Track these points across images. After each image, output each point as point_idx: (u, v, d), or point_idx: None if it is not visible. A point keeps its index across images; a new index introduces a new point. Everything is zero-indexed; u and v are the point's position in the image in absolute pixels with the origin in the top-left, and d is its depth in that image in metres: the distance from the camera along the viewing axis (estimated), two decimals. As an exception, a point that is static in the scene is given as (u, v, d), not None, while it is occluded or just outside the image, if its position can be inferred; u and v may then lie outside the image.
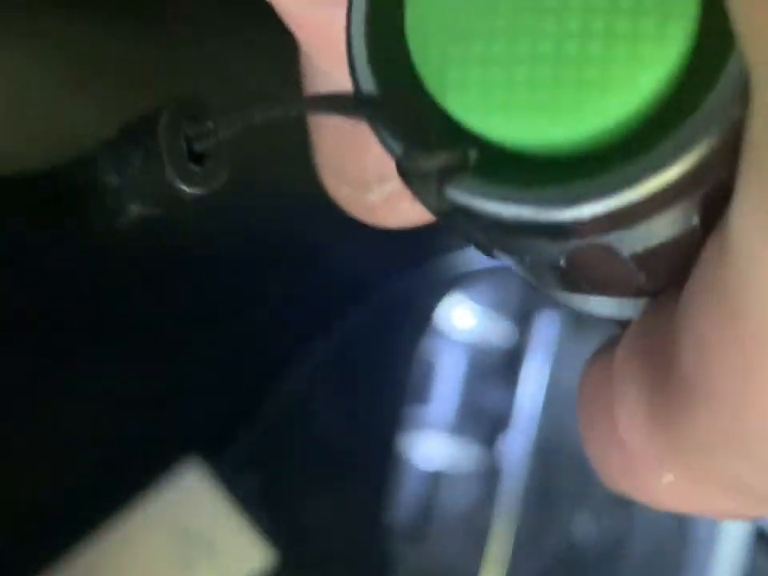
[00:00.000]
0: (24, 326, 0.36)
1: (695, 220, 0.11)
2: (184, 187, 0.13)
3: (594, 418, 0.14)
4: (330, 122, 0.14)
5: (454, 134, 0.11)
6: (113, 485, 0.39)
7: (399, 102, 0.11)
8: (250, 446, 0.42)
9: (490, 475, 0.55)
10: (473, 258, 0.57)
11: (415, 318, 0.53)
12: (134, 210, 0.14)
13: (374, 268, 0.48)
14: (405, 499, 0.53)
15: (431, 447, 0.54)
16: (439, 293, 0.55)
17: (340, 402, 0.47)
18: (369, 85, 0.11)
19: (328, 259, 0.42)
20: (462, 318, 0.55)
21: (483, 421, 0.56)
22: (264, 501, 0.41)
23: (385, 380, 0.50)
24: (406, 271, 0.51)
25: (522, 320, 0.57)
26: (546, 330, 0.56)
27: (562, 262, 0.12)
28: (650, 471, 0.12)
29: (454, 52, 0.11)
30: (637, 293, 0.12)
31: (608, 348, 0.13)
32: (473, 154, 0.11)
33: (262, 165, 0.37)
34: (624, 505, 0.57)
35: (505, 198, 0.10)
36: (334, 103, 0.12)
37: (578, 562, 0.56)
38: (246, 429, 0.41)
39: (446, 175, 0.11)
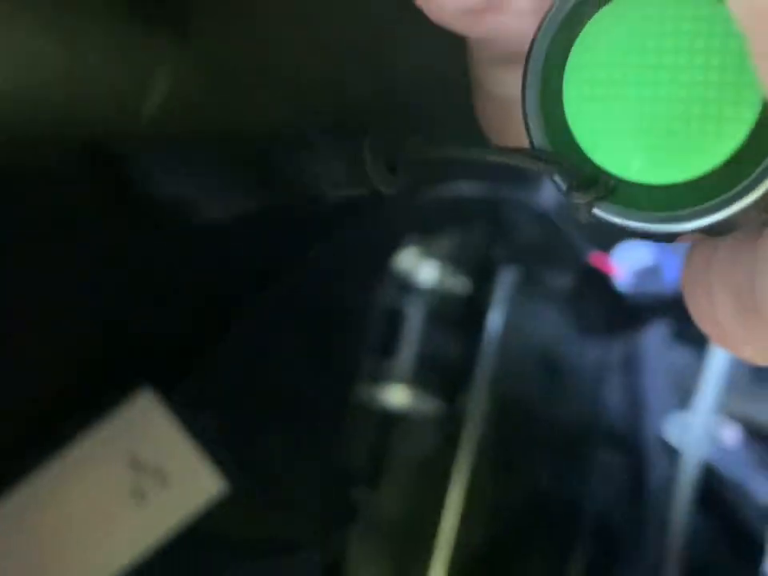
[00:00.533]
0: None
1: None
2: (382, 188, 0.18)
3: (696, 293, 0.16)
4: None
5: (598, 175, 0.16)
6: (65, 413, 0.38)
7: (562, 155, 0.16)
8: (206, 381, 0.41)
9: (448, 423, 0.55)
10: (432, 210, 0.57)
11: (375, 266, 0.53)
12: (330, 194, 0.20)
13: (337, 209, 0.47)
14: (362, 445, 0.53)
15: (390, 395, 0.54)
16: (399, 243, 0.55)
17: (299, 344, 0.47)
18: (541, 142, 0.16)
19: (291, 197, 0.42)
20: (422, 271, 0.55)
21: (442, 370, 0.56)
22: (218, 435, 0.41)
23: (343, 325, 0.50)
24: (367, 216, 0.51)
25: (480, 274, 0.57)
26: (502, 283, 0.56)
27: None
28: (736, 342, 0.16)
29: (599, 123, 0.16)
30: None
31: (710, 243, 0.16)
32: (611, 187, 0.16)
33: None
34: (582, 456, 0.58)
35: (632, 217, 0.16)
36: (517, 155, 0.16)
37: (535, 512, 0.56)
38: (202, 363, 0.41)
39: (593, 203, 0.16)
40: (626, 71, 0.15)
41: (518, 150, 0.16)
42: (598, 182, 0.16)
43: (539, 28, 0.16)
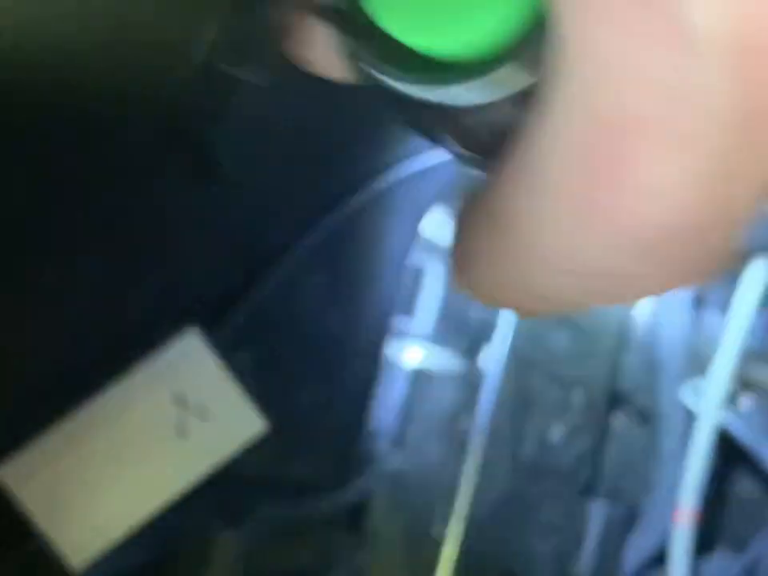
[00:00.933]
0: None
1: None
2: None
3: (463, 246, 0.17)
4: None
5: (375, 35, 0.16)
6: (113, 352, 0.40)
7: (350, 15, 0.16)
8: (244, 324, 0.43)
9: (470, 382, 0.57)
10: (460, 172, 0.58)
11: (404, 223, 0.54)
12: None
13: (372, 160, 0.48)
14: (388, 401, 0.55)
15: (413, 353, 0.56)
16: (425, 205, 0.56)
17: (332, 296, 0.48)
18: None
19: (325, 149, 0.43)
20: (446, 232, 0.57)
21: (465, 330, 0.57)
22: (256, 376, 0.42)
23: (374, 280, 0.52)
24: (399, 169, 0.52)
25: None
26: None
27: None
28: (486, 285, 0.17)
29: None
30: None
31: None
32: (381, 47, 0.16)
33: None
34: (599, 418, 0.59)
35: (396, 77, 0.16)
36: (313, 7, 0.17)
37: (550, 471, 0.58)
38: (240, 307, 0.43)
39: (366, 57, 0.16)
40: None
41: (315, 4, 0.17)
42: (378, 37, 0.15)
43: None
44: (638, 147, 0.13)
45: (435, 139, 0.17)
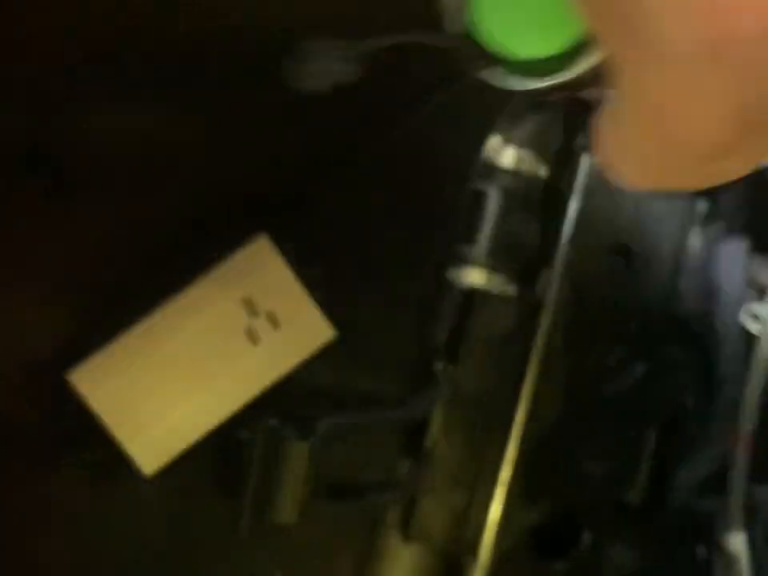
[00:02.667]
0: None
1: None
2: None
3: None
4: None
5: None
6: (185, 256, 0.39)
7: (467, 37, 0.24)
8: (313, 237, 0.42)
9: (524, 306, 0.56)
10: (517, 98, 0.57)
11: (467, 150, 0.53)
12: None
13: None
14: (444, 321, 0.54)
15: (470, 277, 0.55)
16: (489, 130, 0.55)
17: (394, 216, 0.48)
18: (454, 26, 0.24)
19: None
20: (504, 155, 0.56)
21: (520, 254, 0.57)
22: (324, 288, 0.42)
23: (435, 203, 0.51)
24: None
25: (560, 160, 0.58)
26: (581, 170, 0.56)
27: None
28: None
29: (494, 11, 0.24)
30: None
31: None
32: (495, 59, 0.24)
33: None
34: (654, 343, 0.58)
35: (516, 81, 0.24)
36: (440, 37, 0.25)
37: (606, 397, 0.57)
38: (309, 221, 0.42)
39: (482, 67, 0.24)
40: None
41: (443, 36, 0.25)
42: (486, 55, 0.24)
43: None
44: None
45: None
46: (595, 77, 0.23)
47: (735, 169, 0.21)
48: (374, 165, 0.44)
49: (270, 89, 0.41)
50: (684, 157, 0.20)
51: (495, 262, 0.56)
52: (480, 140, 0.52)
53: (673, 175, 0.22)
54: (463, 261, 0.55)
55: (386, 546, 0.52)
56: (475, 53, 0.24)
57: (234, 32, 0.39)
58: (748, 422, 0.57)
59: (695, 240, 0.61)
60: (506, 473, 0.56)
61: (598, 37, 0.20)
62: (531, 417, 0.56)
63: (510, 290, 0.57)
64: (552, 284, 0.56)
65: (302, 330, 0.39)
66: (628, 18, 0.18)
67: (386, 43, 0.28)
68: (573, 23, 0.23)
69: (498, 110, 0.52)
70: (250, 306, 0.38)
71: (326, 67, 0.29)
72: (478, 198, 0.54)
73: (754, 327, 0.58)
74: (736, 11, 0.17)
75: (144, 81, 0.39)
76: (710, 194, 0.62)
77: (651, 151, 0.21)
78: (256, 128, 0.41)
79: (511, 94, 0.52)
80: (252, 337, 0.38)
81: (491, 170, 0.55)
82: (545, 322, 0.56)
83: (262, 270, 0.38)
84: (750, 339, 0.59)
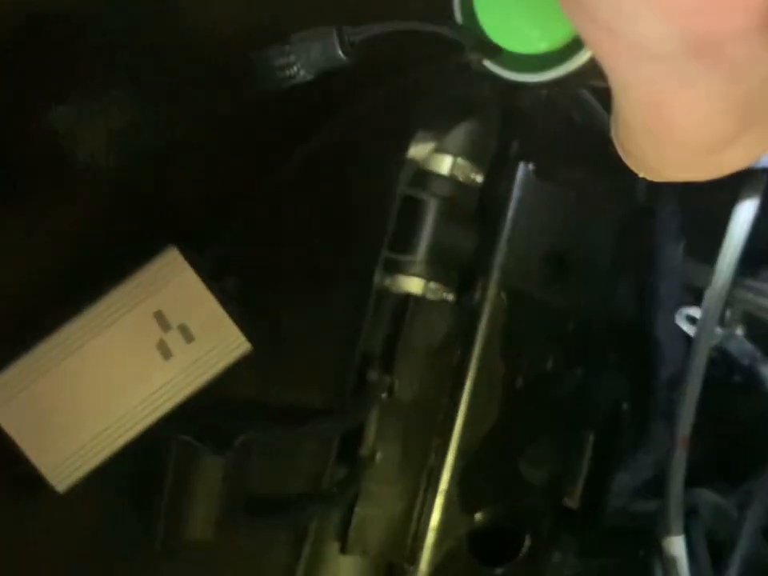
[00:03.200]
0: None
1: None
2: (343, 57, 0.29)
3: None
4: None
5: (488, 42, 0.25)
6: (95, 271, 0.39)
7: (471, 29, 0.25)
8: (231, 248, 0.42)
9: (460, 313, 0.56)
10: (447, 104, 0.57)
11: (390, 152, 0.53)
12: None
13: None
14: (377, 329, 0.54)
15: (405, 285, 0.55)
16: (414, 132, 0.54)
17: (318, 221, 0.47)
18: (458, 17, 0.26)
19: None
20: (437, 163, 0.56)
21: (455, 262, 0.57)
22: (242, 299, 0.41)
23: (360, 207, 0.51)
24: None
25: (495, 168, 0.58)
26: (517, 177, 0.56)
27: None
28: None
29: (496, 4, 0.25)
30: None
31: None
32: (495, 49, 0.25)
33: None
34: (591, 348, 0.59)
35: (506, 72, 0.26)
36: (442, 26, 0.26)
37: (544, 402, 0.57)
38: (225, 230, 0.42)
39: (482, 58, 0.26)
40: None
41: (442, 22, 0.26)
42: (487, 46, 0.25)
43: None
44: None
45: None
46: (595, 70, 0.23)
47: (737, 160, 0.22)
48: (295, 172, 0.43)
49: (199, 97, 0.41)
50: (684, 150, 0.21)
51: (431, 269, 0.55)
52: (405, 146, 0.51)
53: (674, 167, 0.22)
54: (398, 269, 0.55)
55: (321, 558, 0.52)
56: (476, 44, 0.25)
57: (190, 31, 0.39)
58: (686, 425, 0.57)
59: (632, 244, 0.62)
60: (445, 480, 0.56)
61: (581, 36, 0.20)
62: (469, 423, 0.56)
63: (447, 297, 0.56)
64: (488, 291, 0.56)
65: (216, 343, 0.39)
66: (608, 20, 0.18)
67: (380, 30, 0.28)
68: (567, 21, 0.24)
69: (425, 116, 0.52)
70: (162, 320, 0.38)
71: (309, 58, 0.29)
72: (412, 206, 0.54)
73: (690, 330, 0.59)
74: (715, 10, 0.17)
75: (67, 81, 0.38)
76: (647, 198, 0.63)
77: (651, 144, 0.21)
78: (171, 136, 0.40)
79: (444, 98, 0.52)
80: (164, 351, 0.38)
81: (426, 177, 0.55)
82: (481, 329, 0.56)
83: (173, 283, 0.38)
84: (687, 343, 0.60)
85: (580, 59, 0.24)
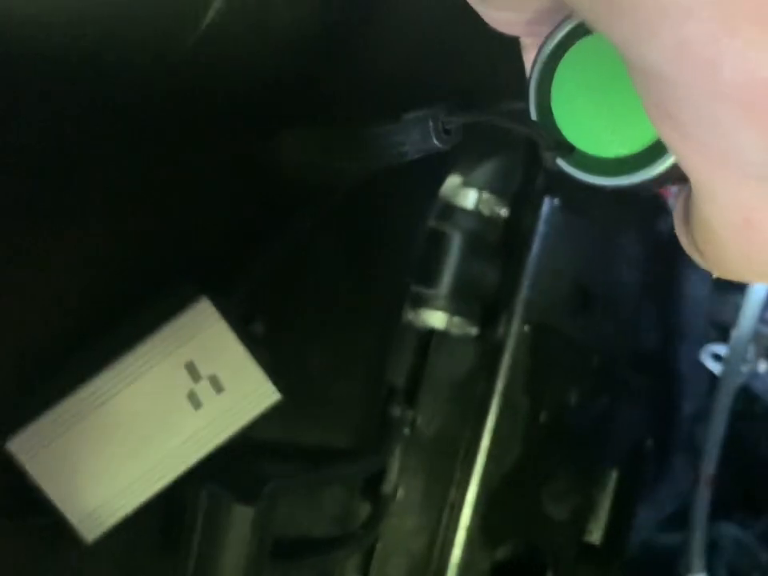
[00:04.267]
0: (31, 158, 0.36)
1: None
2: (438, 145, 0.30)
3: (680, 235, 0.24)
4: None
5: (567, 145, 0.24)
6: (123, 321, 0.39)
7: (545, 127, 0.25)
8: (257, 291, 0.42)
9: (484, 347, 0.56)
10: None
11: (422, 193, 0.53)
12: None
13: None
14: (401, 364, 0.54)
15: (429, 319, 0.55)
16: (445, 171, 0.54)
17: (345, 261, 0.47)
18: (534, 113, 0.25)
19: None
20: (463, 198, 0.55)
21: (480, 296, 0.56)
22: (269, 342, 0.41)
23: (389, 247, 0.50)
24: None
25: (520, 202, 0.57)
26: (541, 212, 0.56)
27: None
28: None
29: (574, 104, 0.24)
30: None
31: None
32: (569, 149, 0.24)
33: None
34: (614, 381, 0.58)
35: (579, 173, 0.24)
36: (521, 124, 0.25)
37: (566, 436, 0.57)
38: (252, 273, 0.42)
39: (556, 157, 0.24)
40: (594, 83, 0.24)
41: (523, 121, 0.25)
42: (560, 146, 0.24)
43: (539, 49, 0.25)
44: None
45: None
46: (675, 175, 0.22)
47: None
48: (319, 212, 0.43)
49: (217, 145, 0.41)
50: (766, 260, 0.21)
51: (455, 303, 0.55)
52: (432, 183, 0.51)
53: (758, 275, 0.22)
54: (422, 303, 0.55)
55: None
56: (552, 143, 0.24)
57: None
58: (710, 464, 0.57)
59: (657, 277, 0.61)
60: (466, 515, 0.56)
61: (670, 149, 0.20)
62: (492, 458, 0.56)
63: (470, 331, 0.56)
64: (512, 325, 0.56)
65: (246, 393, 0.39)
66: (702, 138, 0.18)
67: (470, 119, 0.29)
68: (649, 126, 0.23)
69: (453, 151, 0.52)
70: (193, 370, 0.38)
71: (421, 138, 0.30)
72: (437, 239, 0.54)
73: (715, 367, 0.58)
74: None
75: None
76: (672, 230, 0.62)
77: (736, 256, 0.21)
78: (196, 184, 0.40)
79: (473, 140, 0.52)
80: (195, 401, 0.38)
81: (451, 211, 0.55)
82: (505, 363, 0.56)
83: (203, 334, 0.38)
84: (710, 377, 0.59)
85: (659, 167, 0.23)
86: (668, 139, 0.19)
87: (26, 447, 0.37)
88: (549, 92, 0.25)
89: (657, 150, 0.23)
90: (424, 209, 0.52)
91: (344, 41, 0.42)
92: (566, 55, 0.24)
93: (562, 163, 0.24)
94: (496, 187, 0.56)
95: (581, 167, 0.24)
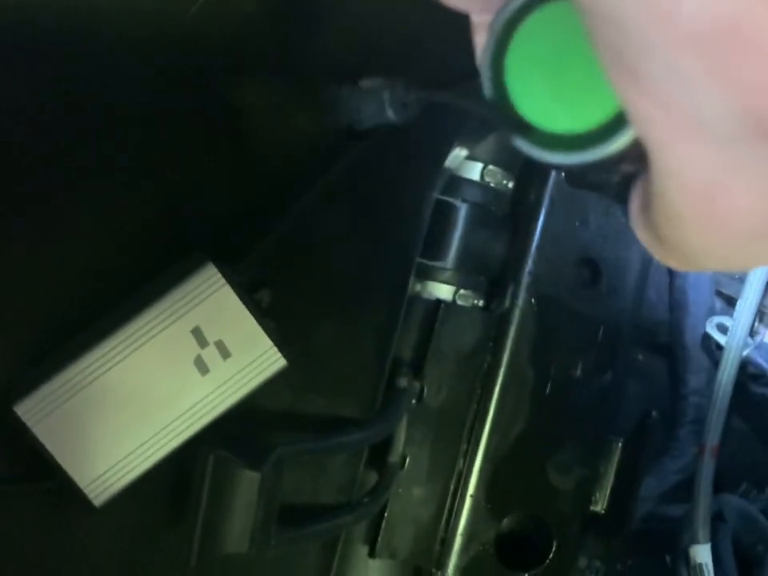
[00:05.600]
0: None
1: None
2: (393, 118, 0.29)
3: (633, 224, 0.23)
4: None
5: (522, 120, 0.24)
6: (132, 287, 0.39)
7: (501, 104, 0.24)
8: (264, 261, 0.42)
9: (490, 319, 0.56)
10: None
11: (429, 166, 0.53)
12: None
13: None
14: (408, 335, 0.54)
15: (436, 291, 0.55)
16: (450, 145, 0.54)
17: (353, 231, 0.47)
18: (490, 96, 0.24)
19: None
20: (468, 170, 0.55)
21: (486, 268, 0.57)
22: (276, 311, 0.41)
23: (397, 218, 0.51)
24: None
25: (526, 175, 0.57)
26: (548, 184, 0.56)
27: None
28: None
29: (529, 80, 0.24)
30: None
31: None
32: (525, 126, 0.24)
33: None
34: (619, 353, 0.58)
35: (535, 151, 0.23)
36: (476, 103, 0.25)
37: (572, 408, 0.57)
38: (261, 244, 0.42)
39: (513, 136, 0.24)
40: (548, 58, 0.23)
41: (477, 100, 0.24)
42: (518, 124, 0.23)
43: (491, 24, 0.24)
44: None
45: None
46: (635, 152, 0.22)
47: None
48: (327, 186, 0.43)
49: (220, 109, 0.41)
50: (732, 240, 0.19)
51: (461, 275, 0.55)
52: (438, 156, 0.51)
53: (716, 257, 0.21)
54: (428, 275, 0.55)
55: (349, 562, 0.53)
56: (508, 121, 0.24)
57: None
58: (715, 435, 0.57)
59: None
60: (472, 485, 0.56)
61: (632, 113, 0.19)
62: (498, 429, 0.56)
63: (477, 303, 0.56)
64: (518, 297, 0.56)
65: (252, 359, 0.39)
66: (667, 95, 0.17)
67: (428, 97, 0.29)
68: (610, 98, 0.22)
69: (459, 124, 0.52)
70: (199, 336, 0.38)
71: (377, 108, 0.30)
72: (443, 211, 0.54)
73: (720, 338, 0.58)
74: None
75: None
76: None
77: (696, 232, 0.20)
78: (205, 159, 0.40)
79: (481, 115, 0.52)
80: (202, 367, 0.38)
81: (457, 183, 0.55)
82: (511, 335, 0.56)
83: (210, 299, 0.38)
84: (716, 349, 0.59)
85: (616, 143, 0.22)
86: (627, 98, 0.18)
87: (33, 411, 0.37)
88: (502, 68, 0.24)
89: (615, 127, 0.22)
90: (430, 181, 0.52)
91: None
92: (519, 30, 0.24)
93: (519, 142, 0.24)
94: (502, 159, 0.56)
95: (537, 144, 0.23)
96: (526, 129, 0.23)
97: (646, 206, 0.22)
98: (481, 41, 0.25)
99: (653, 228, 0.22)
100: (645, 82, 0.17)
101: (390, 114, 0.29)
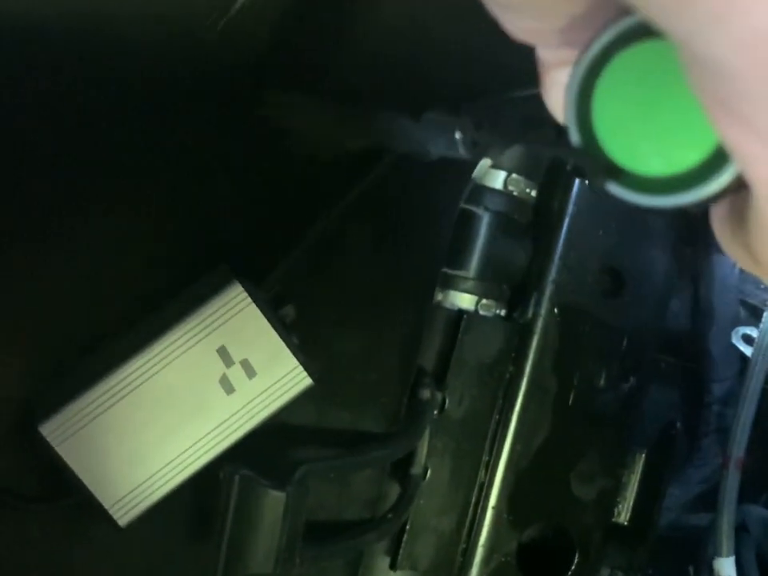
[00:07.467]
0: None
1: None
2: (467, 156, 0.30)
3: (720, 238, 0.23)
4: None
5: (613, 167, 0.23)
6: (158, 304, 0.39)
7: (587, 150, 0.23)
8: (288, 278, 0.42)
9: (513, 329, 0.56)
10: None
11: (451, 174, 0.52)
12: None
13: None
14: (431, 346, 0.54)
15: (459, 301, 0.54)
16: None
17: (375, 241, 0.47)
18: (575, 136, 0.23)
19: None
20: (493, 179, 0.55)
21: (509, 278, 0.56)
22: (300, 329, 0.41)
23: (418, 226, 0.50)
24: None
25: (550, 184, 0.57)
26: (572, 194, 0.56)
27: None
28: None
29: (619, 122, 0.23)
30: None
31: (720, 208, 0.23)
32: (616, 172, 0.23)
33: None
34: (643, 362, 0.58)
35: (630, 195, 0.23)
36: (560, 148, 0.24)
37: (595, 417, 0.57)
38: (286, 260, 0.42)
39: (604, 181, 0.23)
40: (639, 99, 0.22)
41: (561, 144, 0.24)
42: (609, 169, 0.22)
43: (576, 62, 0.23)
44: None
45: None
46: (731, 189, 0.21)
47: None
48: (352, 200, 0.43)
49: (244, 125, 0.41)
50: None
51: (484, 284, 0.55)
52: (464, 166, 0.51)
53: None
54: (451, 284, 0.54)
55: (371, 574, 0.52)
56: (600, 167, 0.23)
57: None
58: (741, 446, 0.56)
59: (687, 258, 0.61)
60: (494, 496, 0.56)
61: (737, 153, 0.19)
62: (520, 439, 0.55)
63: (499, 312, 0.56)
64: (542, 306, 0.56)
65: (278, 378, 0.39)
66: (766, 129, 0.17)
67: (504, 144, 0.29)
68: (704, 138, 0.21)
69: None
70: (225, 355, 0.38)
71: (445, 143, 0.30)
72: (466, 220, 0.54)
73: (746, 349, 0.58)
74: None
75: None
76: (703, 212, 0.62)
77: None
78: (230, 173, 0.40)
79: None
80: (227, 386, 0.38)
81: (481, 192, 0.54)
82: (534, 344, 0.56)
83: (235, 319, 0.38)
84: (741, 359, 0.59)
85: (716, 184, 0.21)
86: (730, 138, 0.18)
87: (58, 431, 0.37)
88: (589, 109, 0.23)
89: (712, 166, 0.21)
90: (456, 193, 0.52)
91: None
92: (607, 68, 0.23)
93: (612, 187, 0.23)
94: (526, 167, 0.55)
95: (631, 188, 0.22)
96: (618, 173, 0.23)
97: (738, 228, 0.22)
98: (552, 80, 0.24)
99: (749, 249, 0.22)
100: (748, 122, 0.17)
101: (462, 152, 0.29)
